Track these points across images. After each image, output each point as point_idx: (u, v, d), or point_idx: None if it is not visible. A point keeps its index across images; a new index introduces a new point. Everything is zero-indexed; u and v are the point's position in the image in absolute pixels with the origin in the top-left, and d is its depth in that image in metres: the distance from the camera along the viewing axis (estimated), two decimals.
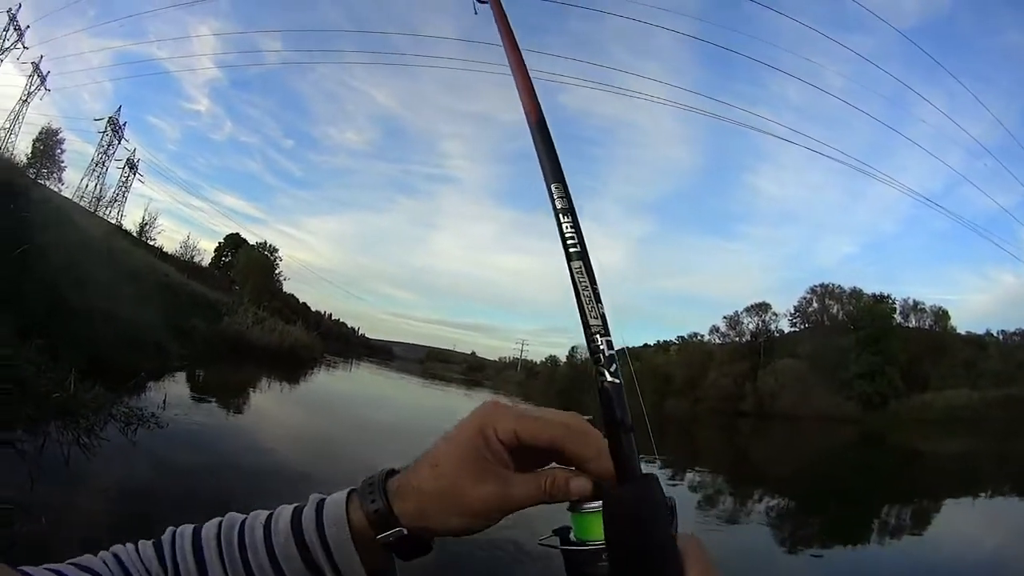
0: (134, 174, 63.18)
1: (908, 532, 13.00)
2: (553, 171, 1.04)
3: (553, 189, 1.01)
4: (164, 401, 12.59)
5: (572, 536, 0.86)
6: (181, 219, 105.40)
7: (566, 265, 0.94)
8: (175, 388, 16.28)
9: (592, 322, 0.90)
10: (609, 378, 0.87)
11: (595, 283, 0.93)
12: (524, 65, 1.16)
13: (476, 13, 1.32)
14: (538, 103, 1.11)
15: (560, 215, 0.98)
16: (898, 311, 67.22)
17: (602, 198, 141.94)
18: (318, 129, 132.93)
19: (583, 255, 0.96)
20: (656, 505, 0.82)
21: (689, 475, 19.53)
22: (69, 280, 13.91)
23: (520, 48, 1.17)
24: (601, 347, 0.89)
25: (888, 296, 67.05)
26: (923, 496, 17.44)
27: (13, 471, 6.01)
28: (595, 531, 0.83)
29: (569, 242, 0.96)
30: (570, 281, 0.94)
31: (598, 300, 0.92)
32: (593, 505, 0.85)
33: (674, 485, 17.63)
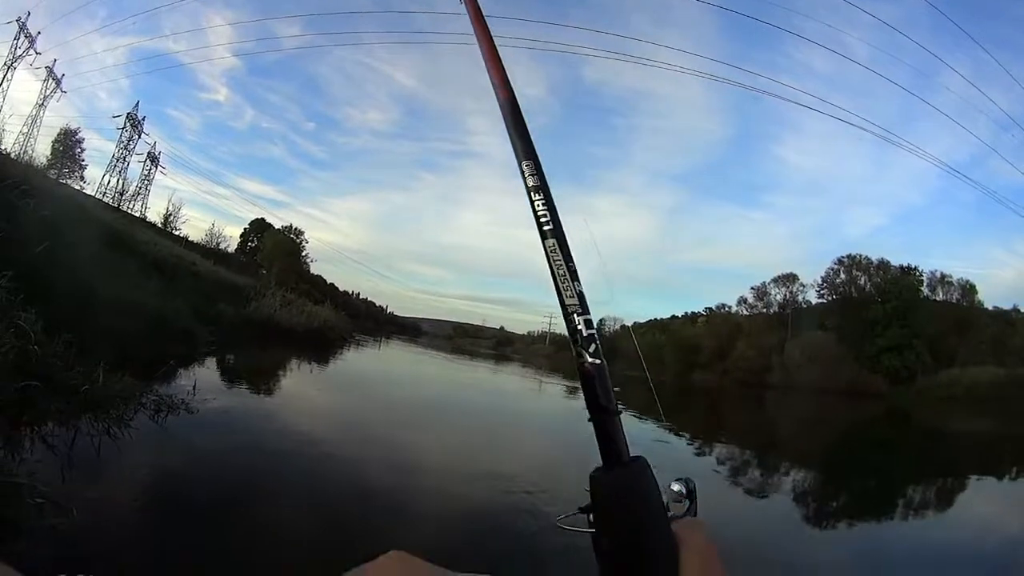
0: (156, 167, 63.92)
1: (931, 510, 12.89)
2: (524, 148, 1.04)
3: (524, 167, 1.01)
4: (194, 387, 12.66)
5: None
6: (206, 207, 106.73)
7: (541, 243, 0.92)
8: (205, 374, 16.44)
9: (568, 301, 0.89)
10: (590, 360, 0.86)
11: (571, 260, 0.91)
12: (492, 40, 1.15)
13: None
14: (508, 80, 1.10)
15: (532, 192, 0.98)
16: (925, 283, 66.22)
17: (625, 169, 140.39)
18: (340, 111, 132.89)
19: (557, 232, 0.94)
20: (644, 488, 0.80)
21: (717, 448, 19.53)
22: (95, 275, 14.16)
23: (487, 23, 1.20)
24: (579, 327, 0.87)
25: (915, 268, 65.98)
26: (947, 475, 17.25)
27: (45, 466, 6.14)
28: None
29: (542, 219, 0.95)
30: (546, 259, 0.92)
31: (575, 278, 0.90)
32: None
33: (700, 457, 17.68)
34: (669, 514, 0.83)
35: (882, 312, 61.36)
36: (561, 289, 0.91)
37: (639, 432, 22.27)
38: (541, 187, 0.98)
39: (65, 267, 12.53)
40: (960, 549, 9.86)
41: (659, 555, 0.74)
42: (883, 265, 67.66)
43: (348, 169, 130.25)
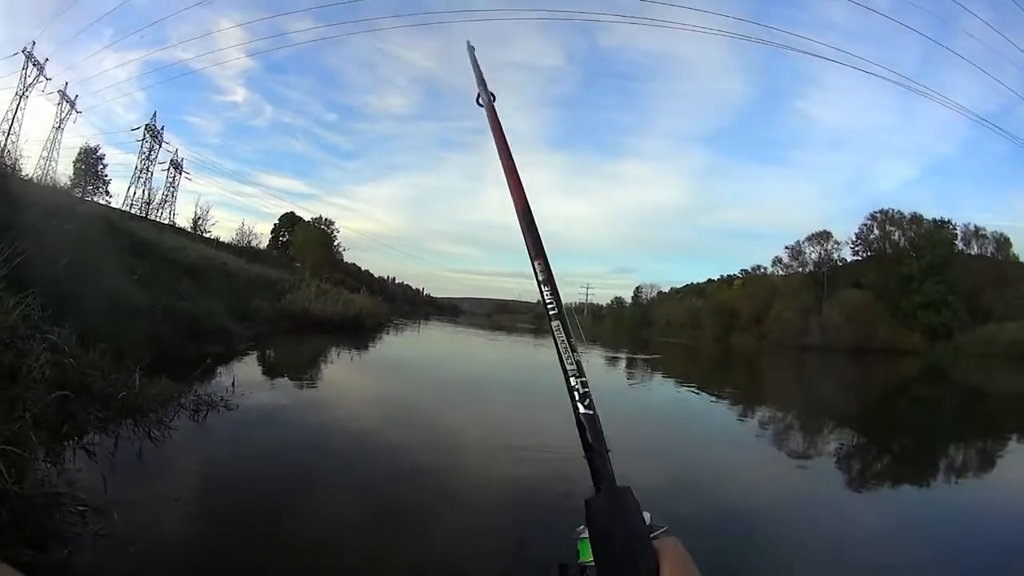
0: (180, 173, 65.32)
1: (973, 473, 12.70)
2: (535, 249, 1.23)
3: (536, 265, 1.21)
4: (233, 383, 12.89)
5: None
6: (234, 207, 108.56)
7: (548, 324, 1.14)
8: (244, 370, 16.74)
9: (569, 368, 1.09)
10: (584, 410, 1.05)
11: (571, 337, 1.11)
12: (509, 151, 1.37)
13: (480, 104, 1.52)
14: (523, 188, 1.30)
15: (542, 286, 1.18)
16: (959, 237, 65.07)
17: (651, 133, 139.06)
18: (360, 99, 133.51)
19: (561, 315, 1.13)
20: (629, 510, 0.95)
21: (759, 412, 19.43)
22: (125, 284, 14.46)
23: (509, 146, 1.36)
24: (576, 387, 1.07)
25: (949, 221, 65.06)
26: (988, 436, 16.97)
27: (88, 475, 6.34)
28: (587, 553, 0.96)
29: (550, 308, 1.15)
30: (552, 339, 1.11)
31: (574, 351, 1.10)
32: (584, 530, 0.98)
33: (742, 421, 17.63)
34: (651, 534, 0.96)
35: (917, 267, 60.71)
36: (564, 361, 1.11)
37: (679, 396, 22.31)
38: (549, 280, 1.19)
39: (94, 279, 12.82)
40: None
41: (645, 566, 0.88)
42: (916, 219, 66.83)
43: (373, 156, 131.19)
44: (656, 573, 0.87)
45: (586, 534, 0.97)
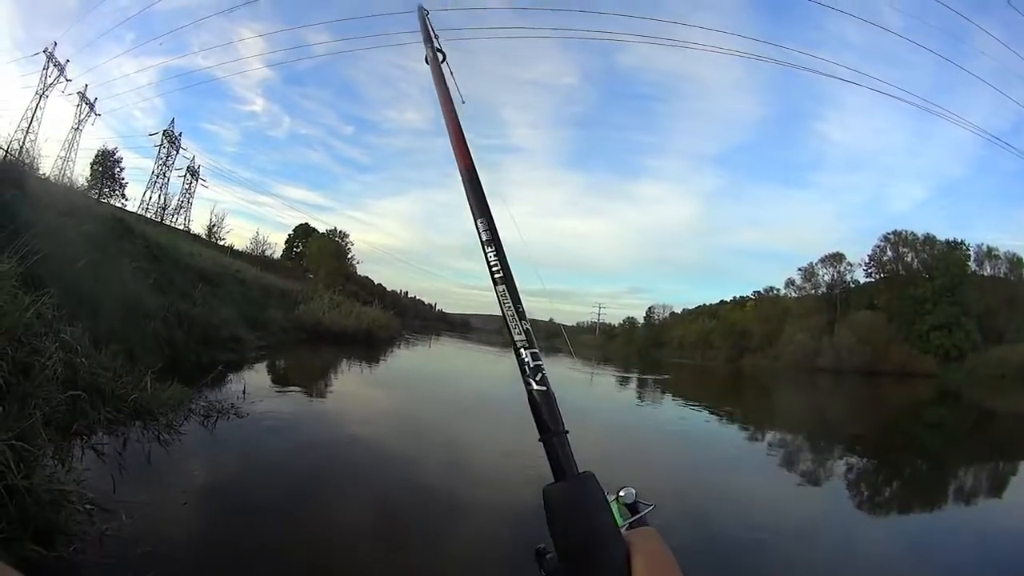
0: (196, 180, 65.85)
1: (984, 495, 12.50)
2: (479, 208, 1.18)
3: (479, 224, 1.15)
4: (243, 391, 12.88)
5: None
6: (249, 216, 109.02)
7: (493, 289, 1.09)
8: (255, 378, 16.70)
9: (518, 339, 1.03)
10: (536, 387, 0.98)
11: (519, 303, 1.05)
12: (459, 122, 1.31)
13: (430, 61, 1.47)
14: (468, 149, 1.26)
15: (485, 246, 1.12)
16: (972, 258, 64.77)
17: (666, 154, 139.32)
18: (377, 112, 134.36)
19: (507, 279, 1.08)
20: (591, 499, 0.86)
21: (769, 434, 19.23)
22: (140, 287, 14.52)
23: (454, 103, 1.31)
24: (527, 360, 1.01)
25: (962, 242, 64.84)
26: (999, 458, 16.75)
27: (96, 474, 6.31)
28: None
29: (494, 269, 1.10)
30: (498, 303, 1.07)
31: (523, 318, 1.04)
32: None
33: (753, 442, 17.46)
34: (621, 524, 0.91)
35: (930, 289, 60.41)
36: (511, 328, 1.10)
37: (691, 418, 22.10)
38: (493, 240, 1.12)
39: (109, 281, 12.87)
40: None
41: (609, 561, 0.80)
42: (929, 240, 66.53)
43: (389, 170, 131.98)
44: (626, 568, 0.79)
45: None
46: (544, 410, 0.96)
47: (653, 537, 0.84)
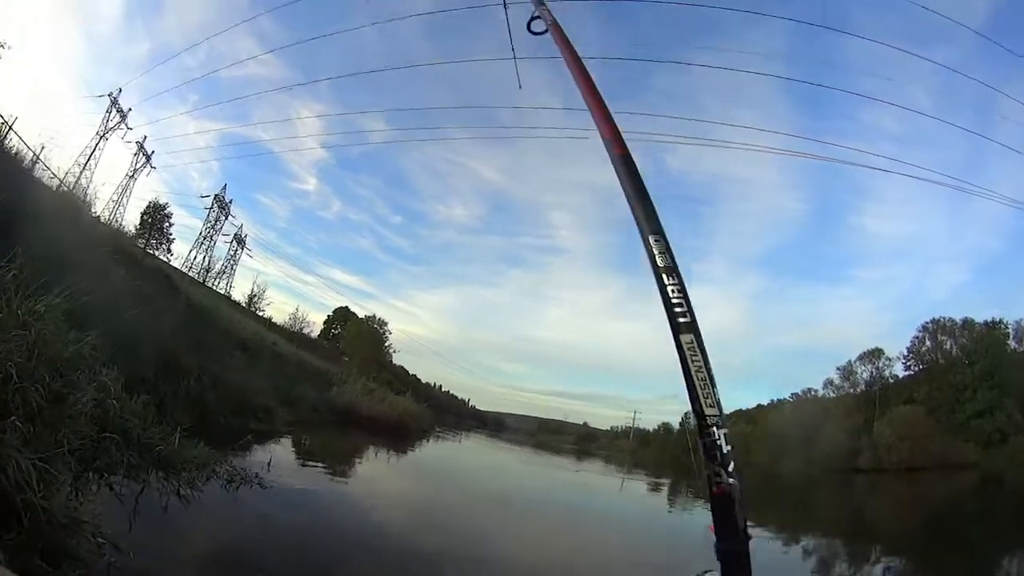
0: (242, 248, 67.02)
1: None
2: (648, 219, 0.82)
3: (652, 242, 0.79)
4: (269, 463, 12.81)
5: None
6: (290, 291, 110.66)
7: (674, 338, 0.71)
8: (281, 452, 16.63)
9: (709, 412, 0.73)
10: (728, 480, 0.74)
11: (709, 363, 0.75)
12: (594, 86, 0.99)
13: (535, 31, 1.25)
14: (620, 134, 0.89)
15: (663, 275, 0.75)
16: (1011, 335, 62.79)
17: (710, 257, 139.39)
18: (426, 205, 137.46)
19: (694, 326, 0.74)
20: None
21: (804, 540, 18.45)
22: (179, 343, 14.72)
23: (591, 75, 1.06)
24: (719, 441, 0.74)
25: (1000, 321, 62.82)
26: None
27: (112, 515, 6.25)
28: None
29: (677, 309, 0.74)
30: (678, 359, 0.70)
31: (713, 384, 0.74)
32: None
33: (787, 551, 16.73)
34: None
35: (970, 375, 58.21)
36: (701, 395, 0.82)
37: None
38: (673, 269, 0.82)
39: (150, 332, 13.06)
40: None
41: None
42: (968, 324, 64.64)
43: (434, 263, 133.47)
44: None
45: None
46: (730, 511, 0.70)
47: None
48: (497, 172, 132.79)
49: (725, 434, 0.59)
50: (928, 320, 68.53)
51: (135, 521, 6.54)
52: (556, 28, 1.14)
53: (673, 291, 0.67)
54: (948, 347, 65.74)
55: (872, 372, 70.94)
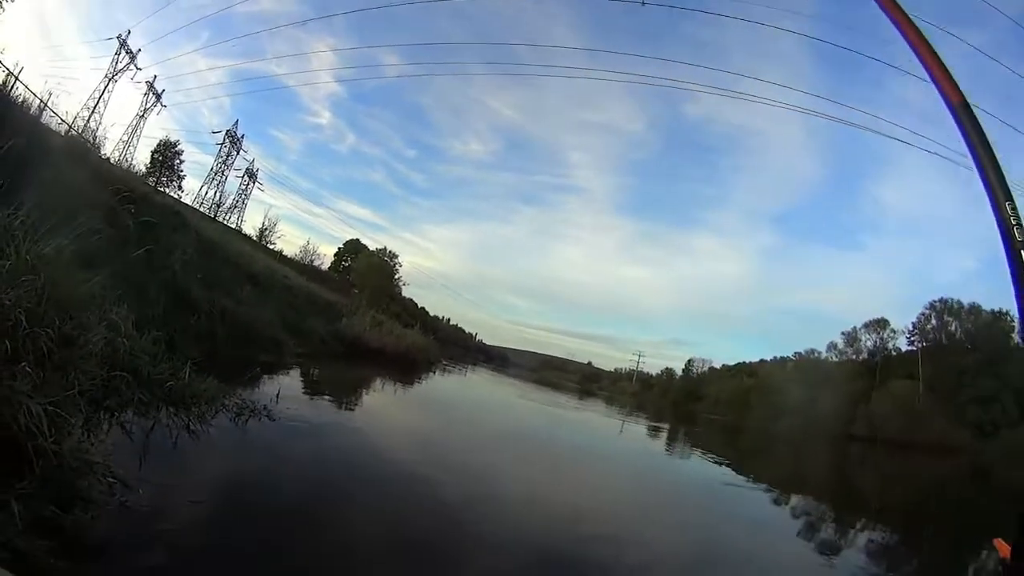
0: (254, 183, 67.20)
1: None
2: (1000, 183, 0.67)
3: (1008, 209, 0.66)
4: (277, 395, 12.96)
5: None
6: (301, 224, 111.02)
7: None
8: (290, 384, 16.79)
9: None
10: None
11: None
12: (922, 35, 0.84)
13: None
14: (954, 80, 0.78)
15: (1021, 250, 0.64)
16: (1016, 329, 62.49)
17: (725, 208, 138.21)
18: (441, 140, 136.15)
19: None
20: None
21: (794, 499, 18.81)
22: (189, 279, 14.82)
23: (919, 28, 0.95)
24: None
25: (1007, 312, 62.52)
26: None
27: (122, 453, 6.40)
28: None
29: None
30: None
31: None
32: None
33: (778, 506, 17.10)
34: None
35: (973, 361, 58.09)
36: None
37: (717, 476, 21.76)
38: None
39: (160, 269, 13.17)
40: None
41: None
42: (974, 309, 64.49)
43: (448, 198, 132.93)
44: None
45: None
46: None
47: None
48: (515, 109, 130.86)
49: None
50: (936, 299, 68.41)
51: (145, 459, 6.70)
52: None
53: None
54: (953, 329, 65.76)
55: (876, 342, 71.20)
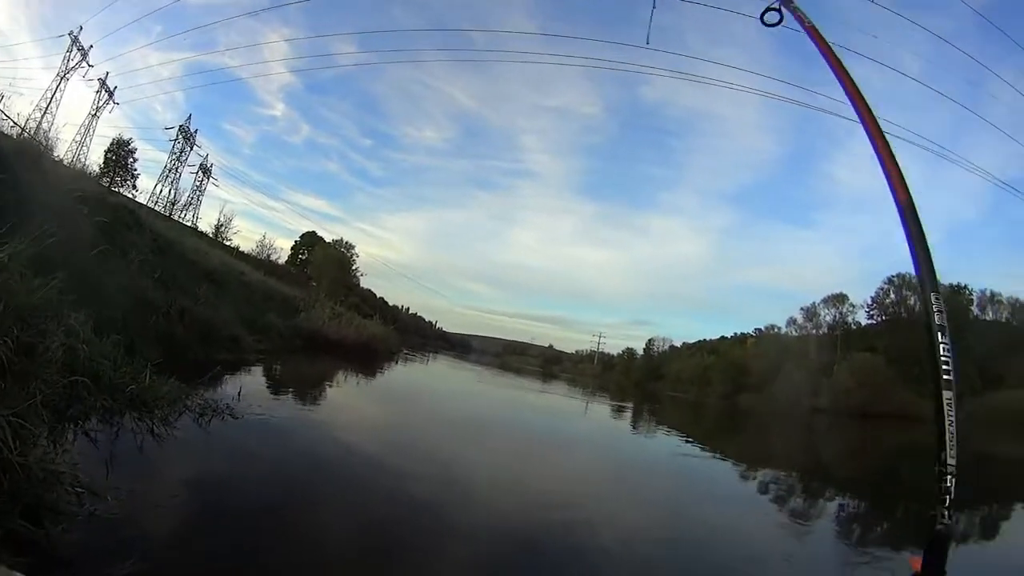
0: (208, 178, 66.22)
1: (976, 539, 12.43)
2: (930, 276, 0.82)
3: (933, 301, 0.79)
4: (239, 393, 12.89)
5: None
6: (258, 219, 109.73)
7: (937, 393, 0.81)
8: (251, 381, 16.70)
9: (950, 461, 0.86)
10: (947, 522, 0.85)
11: (955, 419, 0.80)
12: (884, 136, 0.96)
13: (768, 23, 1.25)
14: (903, 178, 0.89)
15: (938, 333, 0.80)
16: (975, 303, 64.74)
17: (681, 189, 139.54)
18: (396, 128, 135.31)
19: (952, 384, 0.78)
20: None
21: (761, 472, 19.18)
22: (146, 280, 14.60)
23: (875, 115, 1.05)
24: (950, 487, 0.86)
25: (965, 287, 64.76)
26: (993, 502, 16.67)
27: (87, 459, 6.33)
28: None
29: (944, 368, 0.75)
30: (935, 411, 0.78)
31: (955, 438, 0.83)
32: None
33: (745, 481, 17.43)
34: None
35: None
36: (948, 447, 0.88)
37: (678, 451, 22.10)
38: (945, 329, 0.87)
39: (116, 271, 12.94)
40: None
41: None
42: None
43: (403, 186, 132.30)
44: None
45: None
46: (943, 554, 0.74)
47: None
48: (470, 96, 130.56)
49: (954, 481, 0.71)
50: (893, 274, 70.16)
51: (112, 466, 6.62)
52: (813, 30, 1.16)
53: (943, 349, 0.76)
54: (912, 303, 67.40)
55: (835, 316, 73.06)
